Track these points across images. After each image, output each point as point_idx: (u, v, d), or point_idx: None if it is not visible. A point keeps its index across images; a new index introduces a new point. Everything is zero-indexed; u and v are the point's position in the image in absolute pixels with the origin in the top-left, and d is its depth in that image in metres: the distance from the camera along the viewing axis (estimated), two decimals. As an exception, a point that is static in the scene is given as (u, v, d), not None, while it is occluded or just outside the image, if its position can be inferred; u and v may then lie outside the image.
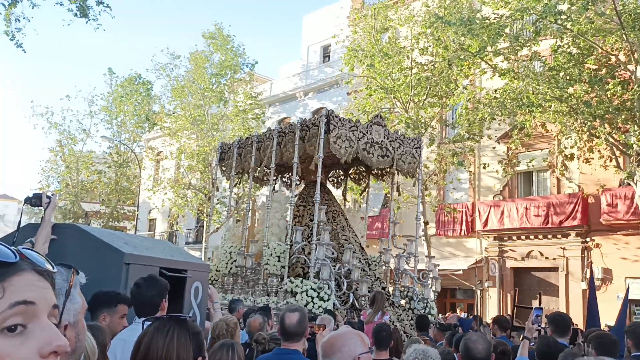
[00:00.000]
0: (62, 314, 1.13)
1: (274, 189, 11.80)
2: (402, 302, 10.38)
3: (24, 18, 13.10)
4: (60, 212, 29.38)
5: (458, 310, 18.08)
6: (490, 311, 17.89)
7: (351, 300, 9.25)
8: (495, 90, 14.60)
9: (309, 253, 9.60)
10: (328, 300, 8.77)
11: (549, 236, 17.53)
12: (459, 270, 18.30)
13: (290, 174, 11.33)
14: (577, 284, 16.84)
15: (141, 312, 3.01)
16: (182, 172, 26.38)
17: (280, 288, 9.28)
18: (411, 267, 10.96)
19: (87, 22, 12.84)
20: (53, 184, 31.79)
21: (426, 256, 11.43)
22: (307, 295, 8.72)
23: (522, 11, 12.89)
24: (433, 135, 18.08)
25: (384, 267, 11.22)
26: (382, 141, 10.28)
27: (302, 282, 9.01)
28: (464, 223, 19.18)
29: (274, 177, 11.46)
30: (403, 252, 11.01)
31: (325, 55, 26.68)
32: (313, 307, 8.43)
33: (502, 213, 18.14)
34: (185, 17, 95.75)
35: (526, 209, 17.66)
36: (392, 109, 18.39)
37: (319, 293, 8.77)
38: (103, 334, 2.38)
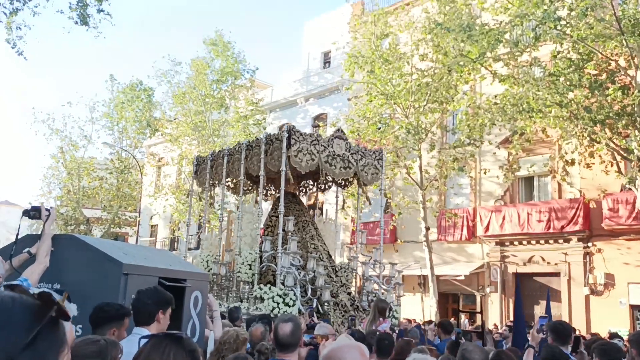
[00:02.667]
0: None
1: (242, 199, 12.28)
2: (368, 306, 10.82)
3: (25, 26, 13.20)
4: (61, 218, 29.39)
5: (463, 316, 18.01)
6: (492, 317, 17.83)
7: (315, 305, 9.62)
8: (495, 96, 14.61)
9: (278, 262, 10.16)
10: (293, 305, 9.34)
11: (551, 241, 17.48)
12: (461, 275, 18.25)
13: (266, 185, 12.07)
14: (579, 289, 16.78)
15: (137, 320, 3.02)
16: (184, 178, 26.40)
17: (251, 294, 9.83)
18: (376, 273, 11.56)
19: (87, 30, 12.90)
20: (55, 190, 31.86)
21: (389, 263, 12.02)
22: (273, 301, 9.37)
23: (522, 17, 12.91)
24: (433, 140, 18.08)
25: (352, 273, 11.80)
26: (343, 154, 10.97)
27: (270, 288, 9.61)
28: (465, 228, 19.14)
29: (245, 189, 12.13)
30: (370, 260, 11.57)
31: (326, 61, 26.71)
32: (279, 312, 9.05)
33: (504, 218, 18.10)
34: (187, 24, 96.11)
35: (528, 214, 17.62)
36: (392, 115, 18.39)
37: (284, 299, 9.40)
38: (116, 349, 2.38)
